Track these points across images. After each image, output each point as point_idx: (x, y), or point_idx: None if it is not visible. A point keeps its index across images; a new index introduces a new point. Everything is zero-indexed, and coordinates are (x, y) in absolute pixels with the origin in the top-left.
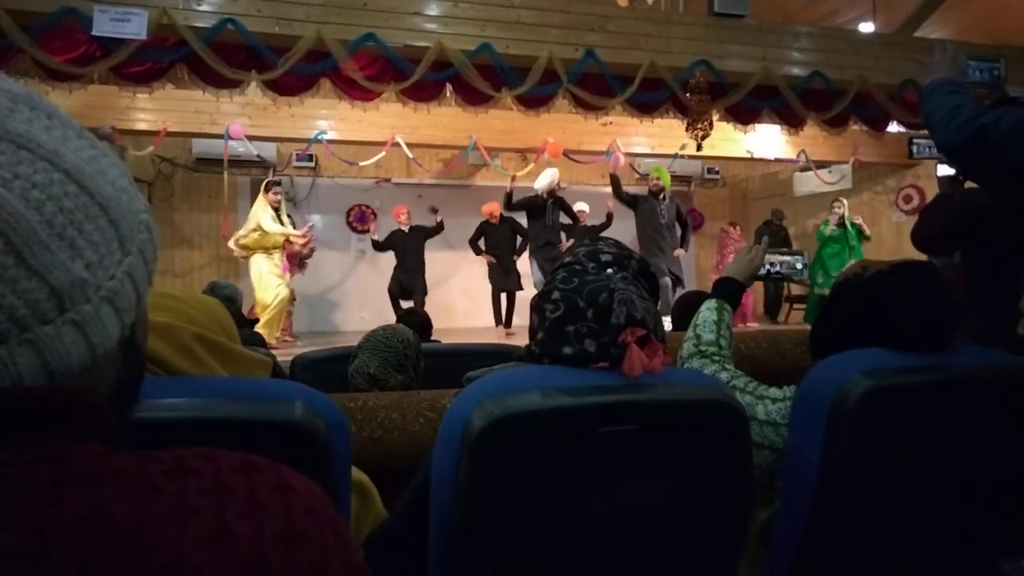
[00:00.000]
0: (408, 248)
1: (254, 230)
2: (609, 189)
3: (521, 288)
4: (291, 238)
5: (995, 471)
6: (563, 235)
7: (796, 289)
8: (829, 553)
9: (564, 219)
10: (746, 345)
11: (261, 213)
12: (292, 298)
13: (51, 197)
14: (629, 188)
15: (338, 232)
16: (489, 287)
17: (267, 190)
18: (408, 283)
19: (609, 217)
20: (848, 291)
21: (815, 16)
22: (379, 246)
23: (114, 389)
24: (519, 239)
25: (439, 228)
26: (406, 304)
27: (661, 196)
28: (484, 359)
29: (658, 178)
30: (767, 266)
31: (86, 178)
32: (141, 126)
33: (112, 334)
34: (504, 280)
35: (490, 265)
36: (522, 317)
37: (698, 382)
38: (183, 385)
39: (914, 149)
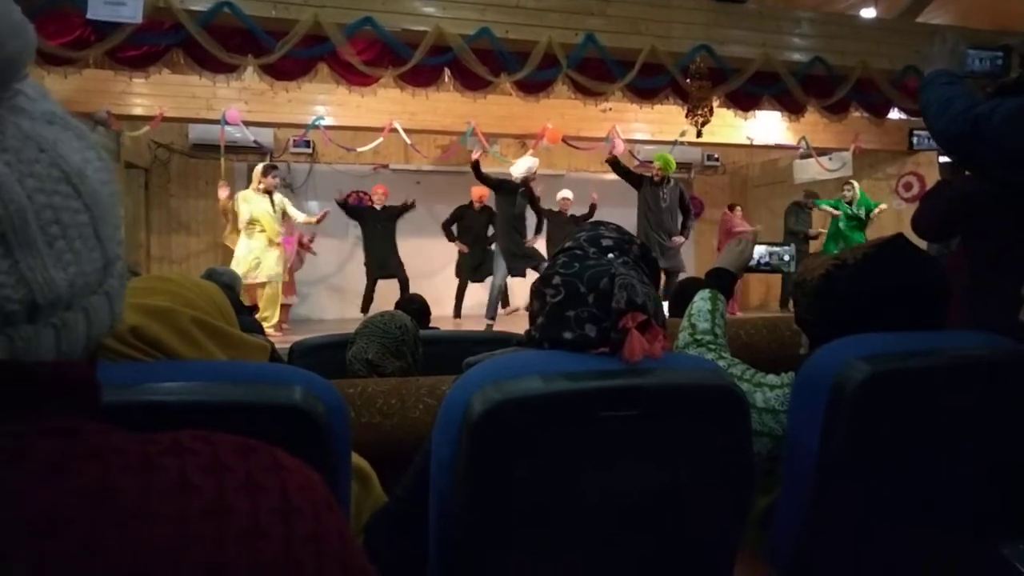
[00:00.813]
0: (378, 226)
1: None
2: (610, 176)
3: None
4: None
5: (995, 456)
6: (528, 226)
7: None
8: (830, 539)
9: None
10: (745, 332)
11: (248, 196)
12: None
13: (107, 180)
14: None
15: (335, 219)
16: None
17: (265, 174)
18: (382, 261)
19: (592, 208)
20: (836, 280)
21: (816, 1)
22: (345, 208)
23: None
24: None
25: (407, 207)
26: (386, 282)
27: (664, 181)
28: (483, 345)
29: (661, 167)
30: (756, 257)
31: (112, 169)
32: (137, 111)
33: (122, 309)
34: (474, 272)
35: (461, 254)
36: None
37: (699, 367)
38: (182, 369)
39: (914, 140)
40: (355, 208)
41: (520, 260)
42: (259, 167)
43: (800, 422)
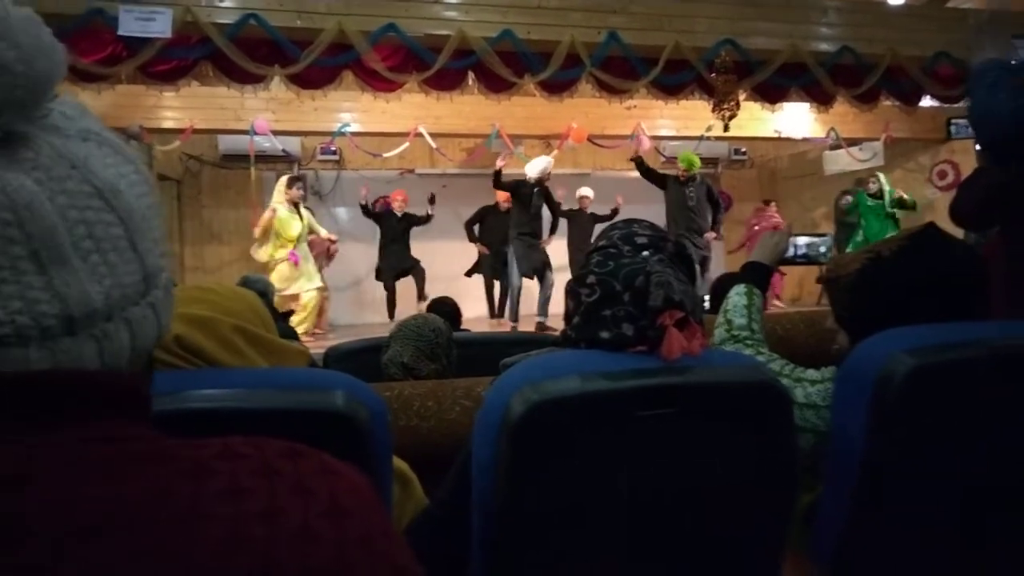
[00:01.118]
0: (397, 232)
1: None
2: (636, 174)
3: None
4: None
5: None
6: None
7: None
8: (874, 536)
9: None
10: (782, 327)
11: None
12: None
13: (143, 194)
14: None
15: (364, 224)
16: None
17: (290, 186)
18: (398, 263)
19: (614, 211)
20: (873, 274)
21: None
22: (366, 211)
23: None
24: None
25: (426, 219)
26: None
27: (691, 180)
28: (516, 347)
29: (685, 168)
30: (792, 249)
31: (150, 182)
32: (168, 124)
33: (169, 319)
34: (495, 272)
35: (481, 255)
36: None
37: (739, 364)
38: (225, 376)
39: (952, 129)
40: (375, 213)
41: (527, 263)
42: (283, 180)
43: (844, 417)
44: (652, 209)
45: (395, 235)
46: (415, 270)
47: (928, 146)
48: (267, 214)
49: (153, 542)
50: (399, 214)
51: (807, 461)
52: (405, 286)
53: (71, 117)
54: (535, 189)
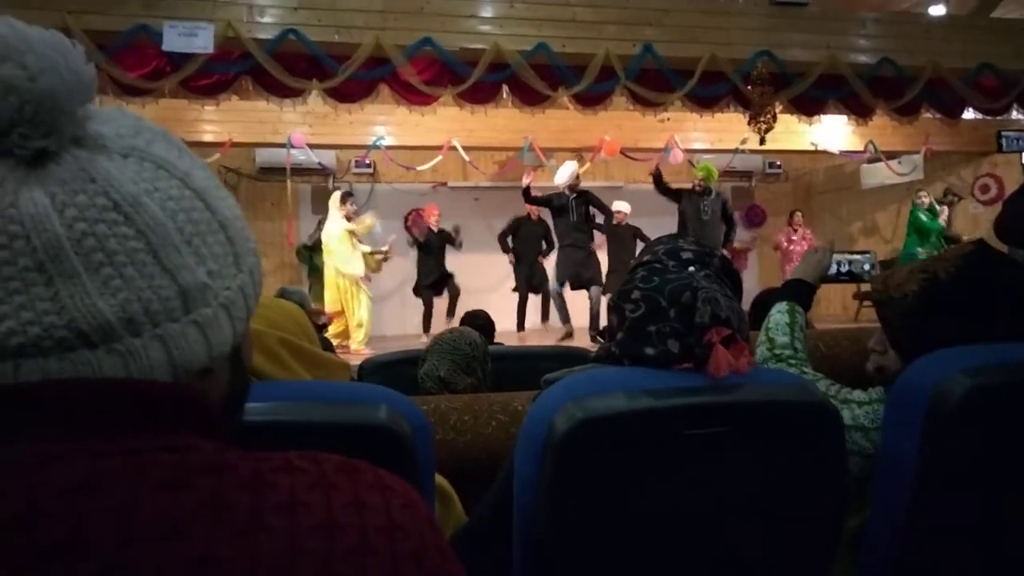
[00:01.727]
0: (433, 247)
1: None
2: (680, 185)
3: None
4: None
5: None
6: (594, 233)
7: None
8: (926, 560)
9: (598, 217)
10: (825, 344)
11: (340, 230)
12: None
13: (183, 209)
14: (682, 184)
15: (398, 237)
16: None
17: (343, 201)
18: (439, 277)
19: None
20: (937, 292)
21: (880, 0)
22: (421, 245)
23: (223, 398)
24: (544, 244)
25: (457, 244)
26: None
27: (706, 192)
28: (549, 360)
29: (703, 178)
30: (836, 265)
31: (210, 199)
32: (207, 137)
33: (227, 339)
34: (529, 283)
35: (516, 267)
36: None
37: (788, 383)
38: (270, 389)
39: (1003, 142)
40: (425, 242)
41: (563, 271)
42: (337, 195)
43: (896, 438)
44: (664, 223)
45: (430, 250)
46: (449, 285)
47: (970, 159)
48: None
49: (212, 551)
50: (435, 229)
51: (855, 484)
52: (439, 301)
53: (123, 136)
54: (571, 197)
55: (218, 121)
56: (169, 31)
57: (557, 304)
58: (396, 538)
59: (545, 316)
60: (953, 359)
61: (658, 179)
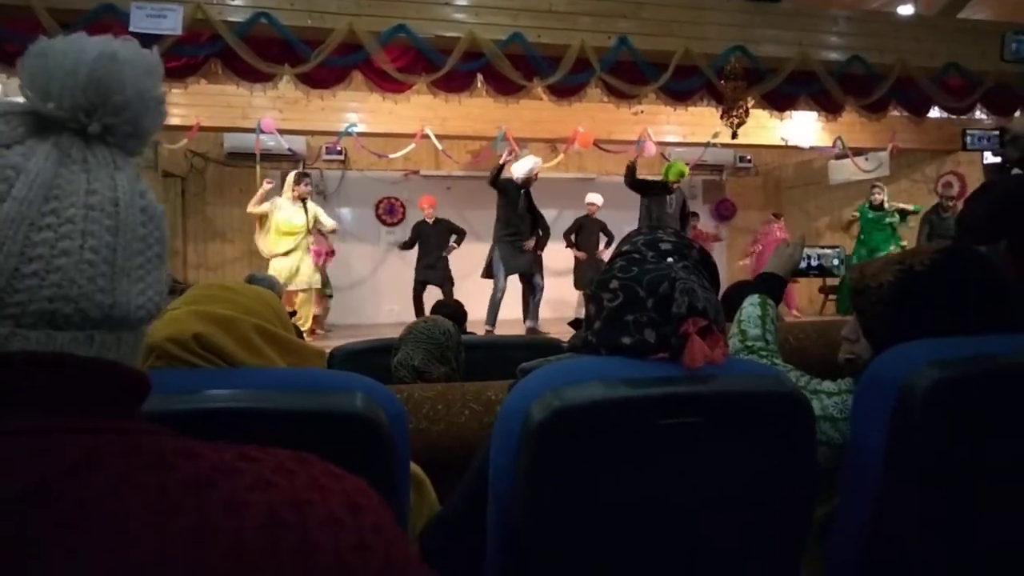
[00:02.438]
0: (432, 241)
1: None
2: (650, 177)
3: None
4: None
5: None
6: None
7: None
8: (892, 551)
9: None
10: (795, 337)
11: (282, 204)
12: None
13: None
14: (648, 177)
15: (368, 225)
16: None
17: (297, 183)
18: (433, 278)
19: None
20: (913, 284)
21: None
22: (406, 245)
23: None
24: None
25: (458, 240)
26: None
27: (671, 189)
28: (524, 351)
29: (678, 176)
30: (806, 260)
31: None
32: (174, 121)
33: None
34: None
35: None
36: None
37: (761, 374)
38: (245, 376)
39: (968, 140)
40: (413, 237)
41: (512, 264)
42: (291, 175)
43: (864, 428)
44: (628, 215)
45: (431, 247)
46: (443, 288)
47: (934, 156)
48: (263, 196)
49: (202, 524)
50: (430, 221)
51: (823, 474)
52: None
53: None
54: (522, 190)
55: (186, 104)
56: (137, 12)
57: (496, 301)
58: (358, 514)
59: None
60: (921, 351)
61: (632, 172)
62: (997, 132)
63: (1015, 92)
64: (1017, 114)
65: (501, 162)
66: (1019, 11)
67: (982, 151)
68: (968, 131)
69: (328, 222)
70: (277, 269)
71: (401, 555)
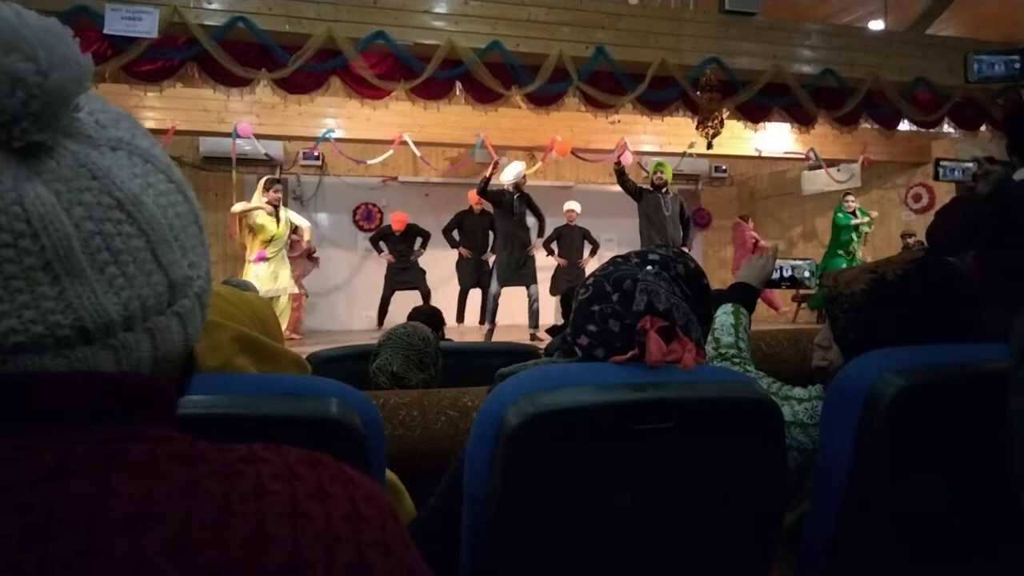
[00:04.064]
0: (400, 246)
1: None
2: (618, 187)
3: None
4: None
5: None
6: (533, 234)
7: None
8: (860, 555)
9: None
10: (767, 344)
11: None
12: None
13: (170, 204)
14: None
15: (345, 231)
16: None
17: (267, 188)
18: (407, 279)
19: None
20: (884, 293)
21: (825, 13)
22: (375, 241)
23: (177, 383)
24: (491, 235)
25: (424, 243)
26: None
27: (664, 191)
28: (499, 357)
29: (661, 172)
30: (778, 271)
31: (187, 191)
32: (150, 124)
33: (199, 328)
34: (473, 276)
35: (461, 258)
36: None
37: (733, 380)
38: (218, 381)
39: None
40: (379, 235)
41: (512, 273)
42: (261, 182)
43: (832, 435)
44: (631, 223)
45: (401, 253)
46: (420, 291)
47: (904, 168)
48: (244, 207)
49: (185, 536)
50: (398, 234)
51: (793, 479)
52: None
53: (104, 125)
54: (515, 196)
55: (161, 108)
56: (111, 14)
57: (492, 305)
58: (360, 527)
59: (484, 315)
60: (887, 359)
61: (622, 172)
62: (970, 164)
63: (981, 107)
64: (983, 129)
65: (487, 174)
66: (984, 27)
67: (955, 182)
68: (941, 161)
69: (303, 222)
70: (256, 275)
71: (406, 573)
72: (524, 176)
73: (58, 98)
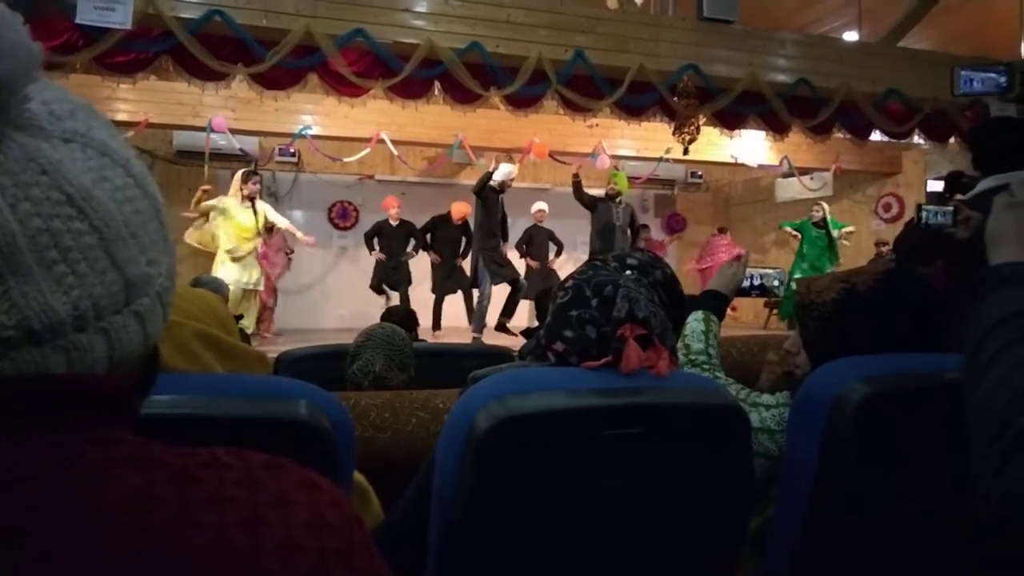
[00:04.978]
0: (393, 243)
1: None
2: (594, 191)
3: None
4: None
5: None
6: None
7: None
8: (825, 560)
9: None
10: (736, 351)
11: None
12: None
13: (127, 199)
14: (594, 191)
15: (320, 228)
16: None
17: (245, 180)
18: (393, 276)
19: None
20: (852, 303)
21: (800, 23)
22: (367, 237)
23: (138, 384)
24: (464, 242)
25: (416, 247)
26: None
27: (617, 201)
28: (473, 359)
29: (615, 183)
30: (748, 280)
31: (147, 185)
32: (121, 116)
33: (159, 327)
34: (446, 283)
35: (433, 266)
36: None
37: (703, 387)
38: (185, 382)
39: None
40: (374, 230)
41: (500, 275)
42: (238, 174)
43: (798, 441)
44: (579, 224)
45: (393, 248)
46: (400, 288)
47: (875, 178)
48: (202, 195)
49: (139, 546)
50: (394, 223)
51: (759, 485)
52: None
53: (59, 116)
54: (500, 195)
55: (134, 100)
56: (84, 3)
57: (482, 308)
58: (324, 535)
59: (472, 319)
60: (853, 367)
61: (578, 186)
62: (951, 209)
63: (951, 120)
64: (952, 141)
65: (491, 169)
66: (955, 41)
67: (938, 225)
68: (924, 208)
69: (281, 221)
70: (231, 268)
71: None
72: (511, 180)
73: (5, 88)
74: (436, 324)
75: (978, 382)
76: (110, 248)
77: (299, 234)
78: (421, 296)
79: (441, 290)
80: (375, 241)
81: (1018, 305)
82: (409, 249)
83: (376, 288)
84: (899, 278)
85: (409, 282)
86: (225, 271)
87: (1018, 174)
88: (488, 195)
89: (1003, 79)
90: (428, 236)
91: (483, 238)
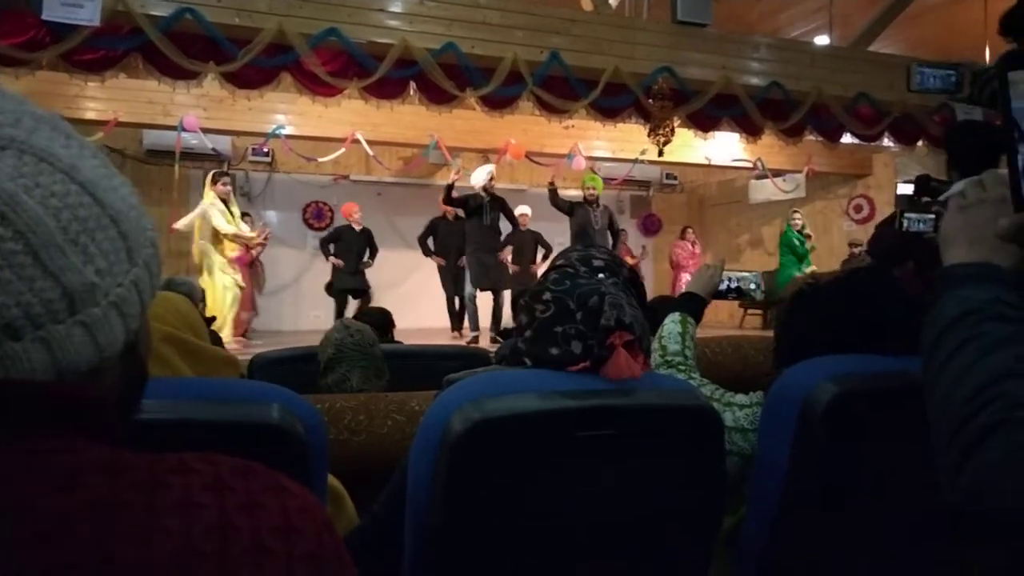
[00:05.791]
0: (354, 249)
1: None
2: (569, 191)
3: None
4: (247, 241)
5: None
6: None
7: None
8: (796, 559)
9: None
10: (711, 351)
11: (212, 211)
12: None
13: (67, 206)
14: (570, 192)
15: (294, 229)
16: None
17: (215, 182)
18: (356, 283)
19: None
20: (809, 300)
21: (773, 27)
22: (324, 242)
23: (117, 395)
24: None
25: (371, 256)
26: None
27: (595, 204)
28: (451, 361)
29: (592, 187)
30: (725, 283)
31: (100, 191)
32: (90, 115)
33: (118, 338)
34: (454, 283)
35: (440, 268)
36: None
37: (676, 388)
38: (155, 386)
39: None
40: (334, 235)
41: (484, 276)
42: (209, 177)
43: (769, 441)
44: (560, 227)
45: (354, 254)
46: (365, 295)
47: (847, 180)
48: (193, 217)
49: (105, 552)
50: (357, 228)
51: (732, 484)
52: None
53: (0, 124)
54: (486, 200)
55: (103, 98)
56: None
57: (471, 310)
58: (292, 540)
59: (461, 322)
60: (825, 367)
61: (554, 193)
62: (932, 216)
63: (919, 123)
64: (920, 144)
65: (450, 181)
66: (922, 46)
67: (919, 232)
68: (905, 213)
69: (244, 229)
70: (223, 267)
71: None
72: (492, 179)
73: None
74: (453, 325)
75: (936, 381)
76: (39, 254)
77: (247, 230)
78: (405, 296)
79: (451, 291)
80: (331, 247)
81: (968, 305)
82: (366, 258)
83: (334, 294)
84: (862, 276)
85: (366, 291)
86: (226, 277)
87: (989, 173)
88: (467, 201)
89: (953, 78)
90: (431, 239)
91: (469, 244)
